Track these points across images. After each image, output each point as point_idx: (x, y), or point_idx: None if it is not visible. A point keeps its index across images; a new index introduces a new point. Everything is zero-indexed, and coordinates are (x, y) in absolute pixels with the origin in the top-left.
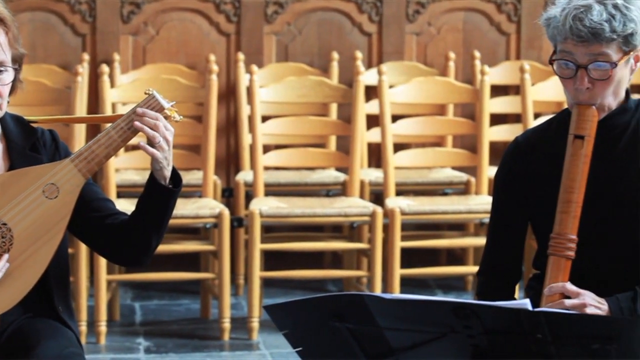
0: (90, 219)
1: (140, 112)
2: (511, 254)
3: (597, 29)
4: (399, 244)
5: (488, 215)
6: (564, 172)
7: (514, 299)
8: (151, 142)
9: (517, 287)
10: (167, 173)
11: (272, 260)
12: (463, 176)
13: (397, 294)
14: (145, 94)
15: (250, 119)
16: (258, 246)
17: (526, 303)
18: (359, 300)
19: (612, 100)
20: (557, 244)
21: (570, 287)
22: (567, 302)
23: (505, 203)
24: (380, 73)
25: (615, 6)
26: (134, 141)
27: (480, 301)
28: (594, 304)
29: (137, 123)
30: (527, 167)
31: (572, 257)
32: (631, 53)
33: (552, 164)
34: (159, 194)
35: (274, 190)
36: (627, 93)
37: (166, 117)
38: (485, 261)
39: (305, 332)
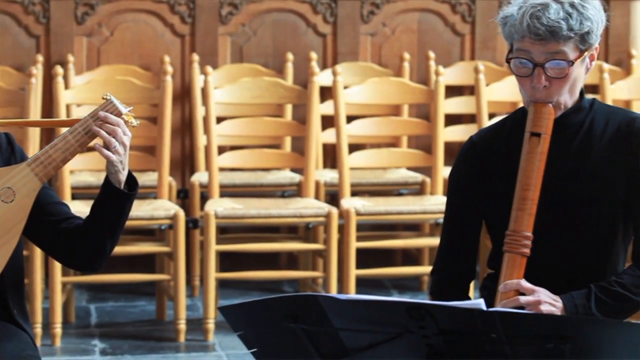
0: (45, 222)
1: (102, 116)
2: (465, 253)
3: (555, 27)
4: (354, 244)
5: (443, 216)
6: (520, 169)
7: (468, 298)
8: (107, 146)
9: (472, 286)
10: (123, 177)
11: (227, 261)
12: (418, 176)
13: (352, 294)
14: (103, 99)
15: (205, 120)
16: (213, 247)
17: (480, 303)
18: (313, 301)
19: (568, 98)
20: (512, 240)
21: (525, 284)
22: (522, 298)
23: (460, 202)
24: (335, 74)
25: (572, 5)
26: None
27: (434, 301)
28: (549, 301)
29: (95, 128)
30: (482, 166)
31: (528, 254)
32: (587, 52)
33: (507, 163)
34: (114, 197)
35: (229, 191)
36: (582, 92)
37: (123, 121)
38: (439, 260)
39: (260, 333)
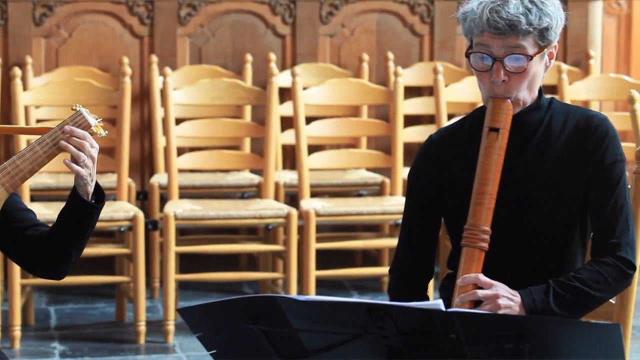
0: (11, 229)
1: (68, 130)
2: (424, 251)
3: (514, 21)
4: (314, 245)
5: (402, 214)
6: (479, 164)
7: (427, 296)
8: (76, 160)
9: (431, 286)
10: (90, 189)
11: (187, 262)
12: (377, 177)
13: (311, 295)
14: (72, 109)
15: (164, 121)
16: (173, 249)
17: (439, 303)
18: (272, 303)
19: (526, 95)
20: (470, 235)
21: (483, 278)
22: (480, 292)
23: (419, 200)
24: (294, 75)
25: (532, 1)
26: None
27: (393, 301)
28: (507, 296)
29: (63, 142)
30: (441, 165)
31: (486, 248)
32: (546, 49)
33: (466, 161)
34: (81, 209)
35: (188, 192)
36: (541, 91)
37: (92, 134)
38: (398, 258)
39: (220, 334)
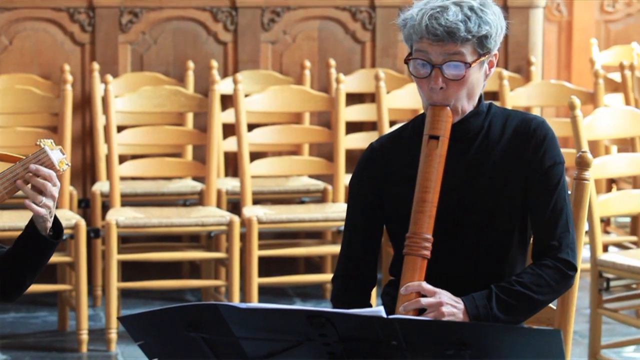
0: None
1: (33, 169)
2: (366, 260)
3: (453, 28)
4: (256, 252)
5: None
6: (419, 172)
7: (369, 304)
8: (34, 200)
9: (374, 293)
10: (49, 224)
11: (130, 270)
12: (320, 184)
13: (254, 303)
14: (37, 145)
15: (106, 129)
16: (115, 257)
17: (380, 310)
18: (213, 310)
19: (466, 103)
20: (412, 243)
21: (426, 286)
22: (424, 300)
23: (361, 208)
24: (235, 82)
25: (471, 8)
26: None
27: (335, 309)
28: (450, 303)
29: (19, 182)
30: (383, 172)
31: (428, 256)
32: (485, 57)
33: (408, 169)
34: (38, 243)
35: (130, 200)
36: (480, 98)
37: (55, 171)
38: (341, 267)
39: (161, 342)
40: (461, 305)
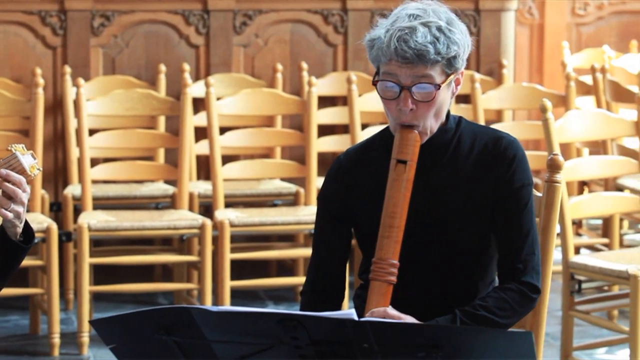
0: None
1: (3, 174)
2: (334, 275)
3: (422, 50)
4: (228, 255)
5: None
6: (386, 197)
7: None
8: (3, 205)
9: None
10: (19, 230)
11: (102, 274)
12: (292, 187)
13: (226, 306)
14: (8, 150)
15: (78, 132)
16: (87, 260)
17: (352, 313)
18: (185, 314)
19: (433, 123)
20: (378, 269)
21: (391, 311)
22: None
23: (328, 221)
24: (207, 85)
25: (439, 29)
26: None
27: (306, 312)
28: None
29: None
30: (350, 186)
31: (394, 281)
32: (453, 75)
33: (375, 182)
34: (7, 248)
35: (102, 203)
36: (448, 114)
37: (26, 177)
38: (309, 281)
39: (133, 346)
40: None
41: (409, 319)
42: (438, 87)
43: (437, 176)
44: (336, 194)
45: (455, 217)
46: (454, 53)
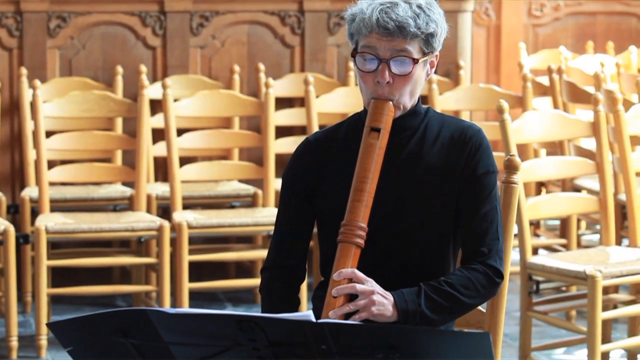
0: None
1: None
2: (295, 252)
3: (404, 23)
4: (187, 257)
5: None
6: (358, 162)
7: (298, 298)
8: None
9: (304, 293)
10: None
11: (60, 276)
12: (250, 189)
13: (183, 308)
14: None
15: (35, 134)
16: (45, 263)
17: (309, 315)
18: (142, 316)
19: (407, 100)
20: (347, 230)
21: (359, 273)
22: (359, 286)
23: (293, 201)
24: (164, 87)
25: (419, 6)
26: None
27: (264, 303)
28: (381, 293)
29: None
30: (317, 167)
31: (362, 245)
32: (429, 55)
33: (342, 163)
34: None
35: (60, 206)
36: (419, 100)
37: None
38: (270, 258)
39: (90, 348)
40: (391, 298)
41: (374, 283)
42: (415, 61)
43: (404, 157)
44: (302, 173)
45: (419, 199)
46: (432, 30)
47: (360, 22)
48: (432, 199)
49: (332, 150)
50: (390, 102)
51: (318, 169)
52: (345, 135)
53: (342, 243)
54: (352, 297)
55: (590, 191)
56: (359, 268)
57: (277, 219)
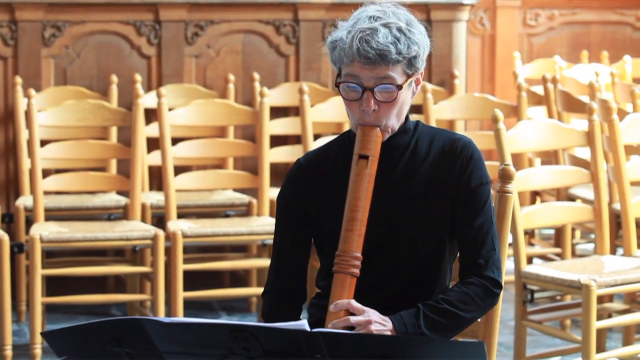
0: None
1: None
2: (295, 275)
3: (384, 50)
4: (181, 266)
5: (270, 236)
6: (349, 191)
7: (300, 319)
8: None
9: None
10: None
11: (54, 285)
12: (245, 198)
13: (178, 317)
14: None
15: (29, 143)
16: (39, 272)
17: (304, 324)
18: (137, 325)
19: (395, 122)
20: (342, 261)
21: (355, 304)
22: (353, 318)
23: (288, 223)
24: (159, 96)
25: (400, 29)
26: None
27: (258, 323)
28: (379, 321)
29: None
30: (310, 188)
31: (357, 274)
32: (413, 76)
33: (334, 185)
34: None
35: (54, 215)
36: (407, 116)
37: None
38: (270, 282)
39: (85, 357)
40: (389, 324)
41: (372, 312)
42: (399, 87)
43: (397, 176)
44: (296, 196)
45: (414, 216)
46: (415, 53)
47: (341, 51)
48: (426, 214)
49: (324, 173)
50: (378, 128)
51: (311, 191)
52: (335, 156)
53: (337, 274)
54: (350, 328)
55: (584, 200)
56: (358, 289)
57: (274, 241)
